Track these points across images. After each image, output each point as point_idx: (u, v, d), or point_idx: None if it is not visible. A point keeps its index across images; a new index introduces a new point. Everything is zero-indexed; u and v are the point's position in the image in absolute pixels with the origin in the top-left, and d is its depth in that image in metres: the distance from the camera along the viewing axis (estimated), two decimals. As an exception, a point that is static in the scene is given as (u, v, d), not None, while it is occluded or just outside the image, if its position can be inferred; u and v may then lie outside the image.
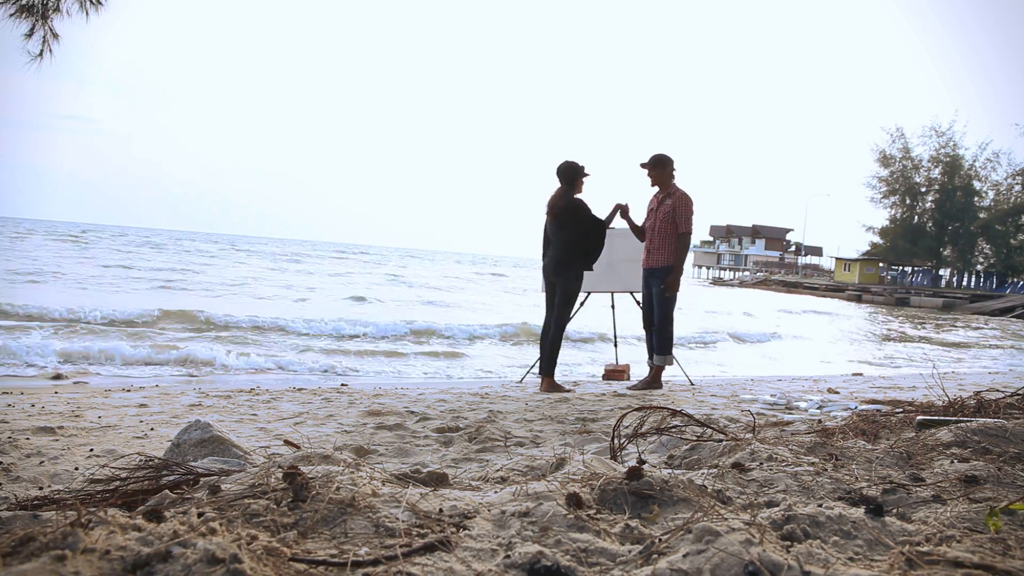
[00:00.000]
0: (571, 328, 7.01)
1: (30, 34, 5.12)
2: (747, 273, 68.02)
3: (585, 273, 5.87)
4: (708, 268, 79.31)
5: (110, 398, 4.72)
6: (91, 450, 3.04)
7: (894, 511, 1.44)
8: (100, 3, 5.24)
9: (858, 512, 1.31)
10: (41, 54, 5.17)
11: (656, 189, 5.99)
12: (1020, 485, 1.63)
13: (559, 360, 6.01)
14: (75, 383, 5.92)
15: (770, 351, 13.22)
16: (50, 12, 5.09)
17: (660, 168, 5.88)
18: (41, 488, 2.37)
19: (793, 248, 77.80)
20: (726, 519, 1.20)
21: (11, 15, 4.96)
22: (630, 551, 1.18)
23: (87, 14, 5.21)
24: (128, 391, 5.18)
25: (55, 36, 5.19)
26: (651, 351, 5.97)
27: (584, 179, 5.77)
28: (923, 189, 49.79)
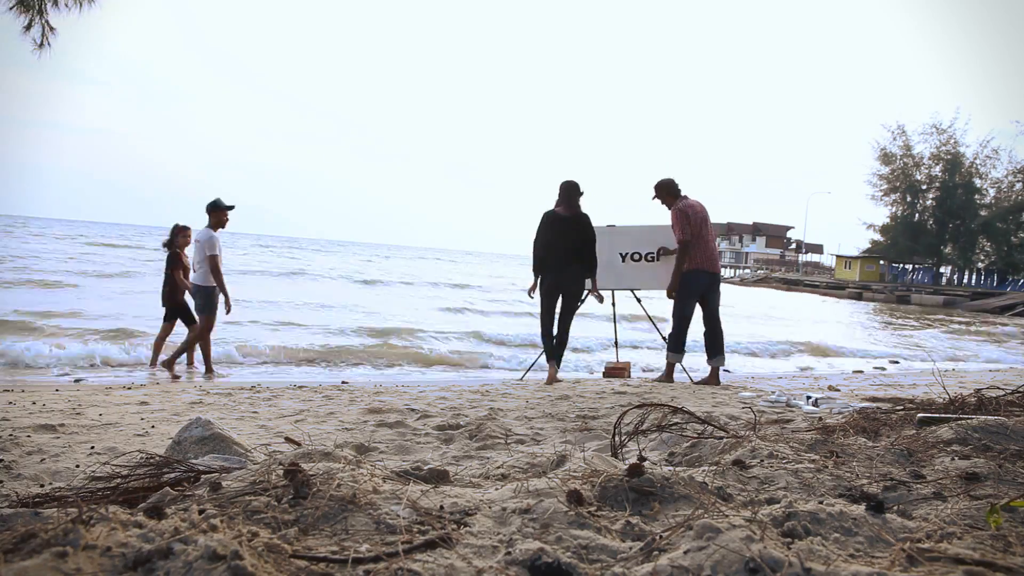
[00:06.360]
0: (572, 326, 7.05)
1: (28, 27, 5.38)
2: (748, 271, 67.92)
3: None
4: (708, 266, 78.90)
5: (111, 396, 4.73)
6: (92, 448, 3.04)
7: (895, 508, 1.44)
8: None
9: (859, 509, 1.31)
10: (41, 45, 5.41)
11: (672, 201, 6.27)
12: (1021, 482, 1.63)
13: (561, 357, 6.32)
14: (75, 380, 5.92)
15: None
16: (47, 4, 5.32)
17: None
18: (42, 485, 2.37)
19: (794, 246, 77.60)
20: (727, 516, 1.20)
21: (10, 8, 5.22)
22: (631, 548, 1.18)
23: (80, 5, 5.38)
24: (129, 388, 5.18)
25: (51, 29, 5.44)
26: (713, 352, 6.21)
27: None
28: (924, 187, 49.60)
